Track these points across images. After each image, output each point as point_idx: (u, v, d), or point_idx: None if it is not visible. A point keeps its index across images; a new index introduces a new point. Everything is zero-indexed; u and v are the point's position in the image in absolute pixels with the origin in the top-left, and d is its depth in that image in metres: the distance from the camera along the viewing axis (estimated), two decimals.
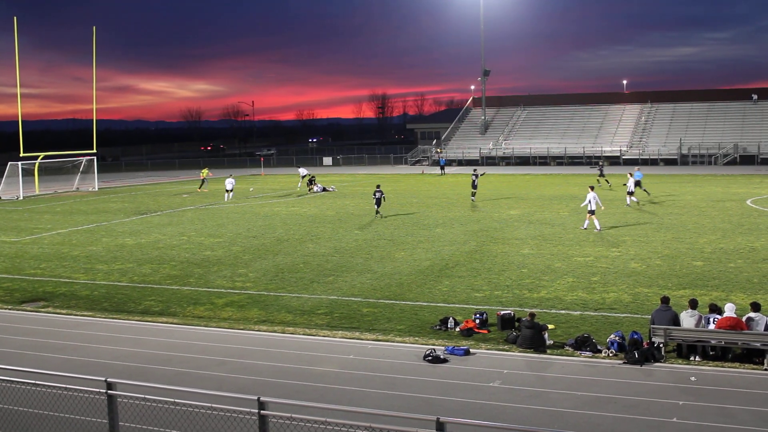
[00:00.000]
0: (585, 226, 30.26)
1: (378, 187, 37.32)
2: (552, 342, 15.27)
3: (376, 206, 36.45)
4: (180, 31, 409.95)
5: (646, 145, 79.03)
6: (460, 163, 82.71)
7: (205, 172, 58.24)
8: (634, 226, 31.11)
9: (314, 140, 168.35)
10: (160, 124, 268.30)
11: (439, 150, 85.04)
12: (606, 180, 49.90)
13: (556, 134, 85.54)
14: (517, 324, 16.16)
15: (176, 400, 8.76)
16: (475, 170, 45.01)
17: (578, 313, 17.77)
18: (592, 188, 31.17)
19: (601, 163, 55.60)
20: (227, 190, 47.66)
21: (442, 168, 69.95)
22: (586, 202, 30.23)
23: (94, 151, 61.07)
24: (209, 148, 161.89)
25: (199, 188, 55.44)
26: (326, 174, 70.31)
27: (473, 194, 42.69)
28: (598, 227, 29.86)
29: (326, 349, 15.44)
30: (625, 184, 39.42)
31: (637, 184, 42.55)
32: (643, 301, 18.56)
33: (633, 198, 38.40)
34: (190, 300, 20.18)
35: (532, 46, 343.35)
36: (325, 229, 32.76)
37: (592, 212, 30.04)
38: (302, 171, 57.39)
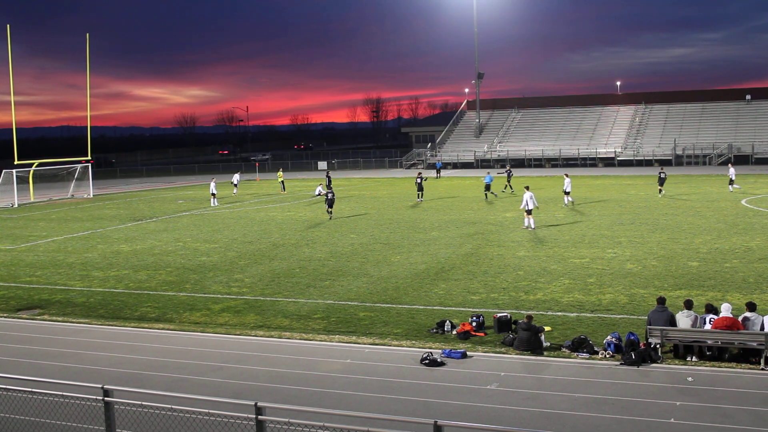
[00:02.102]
0: (525, 225, 31.48)
1: (330, 188, 39.09)
2: (549, 344, 15.27)
3: (327, 206, 37.88)
4: (173, 38, 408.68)
5: (641, 146, 79.26)
6: (455, 166, 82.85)
7: (281, 174, 59.26)
8: (629, 226, 31.19)
9: (225, 150, 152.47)
10: (155, 130, 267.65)
11: (434, 154, 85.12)
12: (510, 186, 49.99)
13: (550, 136, 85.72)
14: (513, 326, 16.18)
15: (173, 407, 8.75)
16: (419, 174, 48.37)
17: (575, 314, 17.79)
18: (528, 188, 32.58)
19: (508, 169, 55.30)
20: (212, 194, 47.71)
21: (438, 171, 70.28)
22: (524, 203, 31.61)
23: (89, 157, 60.97)
24: (310, 146, 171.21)
25: (283, 190, 56.46)
26: (321, 179, 70.22)
27: (420, 195, 45.83)
28: (533, 225, 31.26)
29: (323, 354, 15.43)
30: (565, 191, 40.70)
31: (487, 188, 45.86)
32: (640, 302, 18.59)
33: (569, 198, 40.15)
34: (187, 306, 20.15)
35: (526, 49, 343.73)
36: (320, 233, 32.75)
37: (529, 212, 31.44)
38: (236, 178, 56.40)
